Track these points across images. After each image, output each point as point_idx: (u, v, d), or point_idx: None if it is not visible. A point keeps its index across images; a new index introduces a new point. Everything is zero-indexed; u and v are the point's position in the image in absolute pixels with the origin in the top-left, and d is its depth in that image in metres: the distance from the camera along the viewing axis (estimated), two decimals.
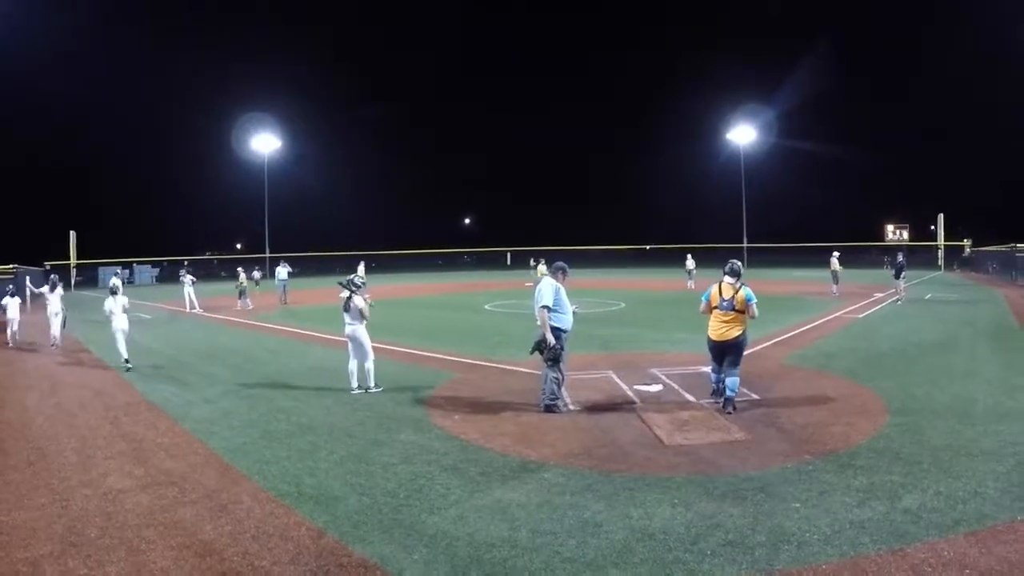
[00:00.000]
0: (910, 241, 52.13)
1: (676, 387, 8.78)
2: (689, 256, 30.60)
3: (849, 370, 9.84)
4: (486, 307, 22.39)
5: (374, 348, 9.11)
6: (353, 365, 8.99)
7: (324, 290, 32.27)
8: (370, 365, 8.95)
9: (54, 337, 14.45)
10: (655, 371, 9.83)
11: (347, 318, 8.91)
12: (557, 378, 7.67)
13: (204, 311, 22.46)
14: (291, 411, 8.00)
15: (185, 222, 70.80)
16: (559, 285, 7.82)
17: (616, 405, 7.95)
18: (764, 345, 12.20)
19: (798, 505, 4.80)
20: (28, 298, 16.59)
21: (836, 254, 24.66)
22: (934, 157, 63.90)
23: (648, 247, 60.89)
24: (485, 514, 4.77)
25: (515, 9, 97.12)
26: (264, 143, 52.67)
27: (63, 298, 15.20)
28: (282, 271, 26.99)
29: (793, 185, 65.90)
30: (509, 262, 60.67)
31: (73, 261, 44.73)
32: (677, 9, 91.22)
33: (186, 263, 30.07)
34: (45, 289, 15.26)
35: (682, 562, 3.99)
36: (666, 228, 61.24)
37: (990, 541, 4.17)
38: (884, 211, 59.58)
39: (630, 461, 5.88)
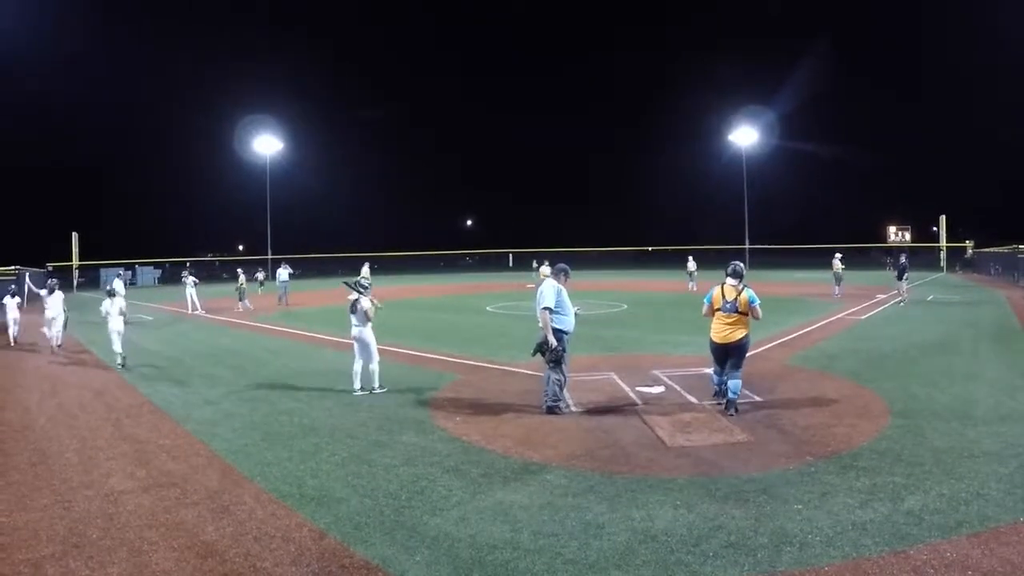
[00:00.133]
0: (912, 242, 52.12)
1: (678, 388, 8.78)
2: (690, 258, 30.57)
3: (851, 371, 9.83)
4: (488, 309, 22.39)
5: (377, 349, 9.14)
6: (358, 366, 9.01)
7: (325, 292, 32.35)
8: (375, 366, 8.98)
9: (54, 338, 14.46)
10: (657, 373, 9.82)
11: (354, 320, 8.95)
12: (559, 380, 7.67)
13: (206, 313, 22.47)
14: (293, 413, 8.00)
15: (187, 223, 71.04)
16: (561, 287, 7.82)
17: (618, 407, 7.94)
18: (766, 346, 12.19)
19: (800, 507, 4.79)
20: (25, 297, 16.61)
21: (838, 255, 24.62)
22: (936, 158, 63.95)
23: (650, 248, 60.86)
24: (487, 516, 4.77)
25: (515, 9, 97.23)
26: (265, 144, 52.72)
27: (65, 300, 15.21)
28: (283, 273, 26.99)
29: (795, 186, 65.99)
30: (511, 263, 60.70)
31: (75, 262, 44.80)
32: (677, 9, 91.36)
33: (188, 264, 30.10)
34: (43, 292, 15.24)
35: (684, 564, 3.98)
36: (667, 229, 61.33)
37: (992, 543, 4.16)
38: (886, 212, 59.64)
39: (632, 463, 5.88)
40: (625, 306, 21.90)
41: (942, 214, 48.36)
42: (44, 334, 14.61)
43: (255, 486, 5.50)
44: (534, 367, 9.42)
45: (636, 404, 8.03)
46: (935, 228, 50.52)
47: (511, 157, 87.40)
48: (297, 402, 8.57)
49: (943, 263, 46.28)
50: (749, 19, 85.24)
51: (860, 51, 77.81)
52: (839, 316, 17.63)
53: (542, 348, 7.63)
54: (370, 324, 8.98)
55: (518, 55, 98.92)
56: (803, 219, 62.62)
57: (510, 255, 62.24)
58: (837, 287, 23.84)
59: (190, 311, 22.74)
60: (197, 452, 6.51)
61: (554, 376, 7.65)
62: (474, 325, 17.99)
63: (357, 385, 8.96)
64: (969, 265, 45.20)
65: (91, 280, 45.16)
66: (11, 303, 16.51)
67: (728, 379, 7.54)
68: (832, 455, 5.96)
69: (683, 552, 4.13)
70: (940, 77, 68.78)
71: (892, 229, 56.19)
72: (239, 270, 25.31)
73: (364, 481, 5.56)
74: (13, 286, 18.12)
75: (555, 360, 7.60)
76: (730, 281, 7.63)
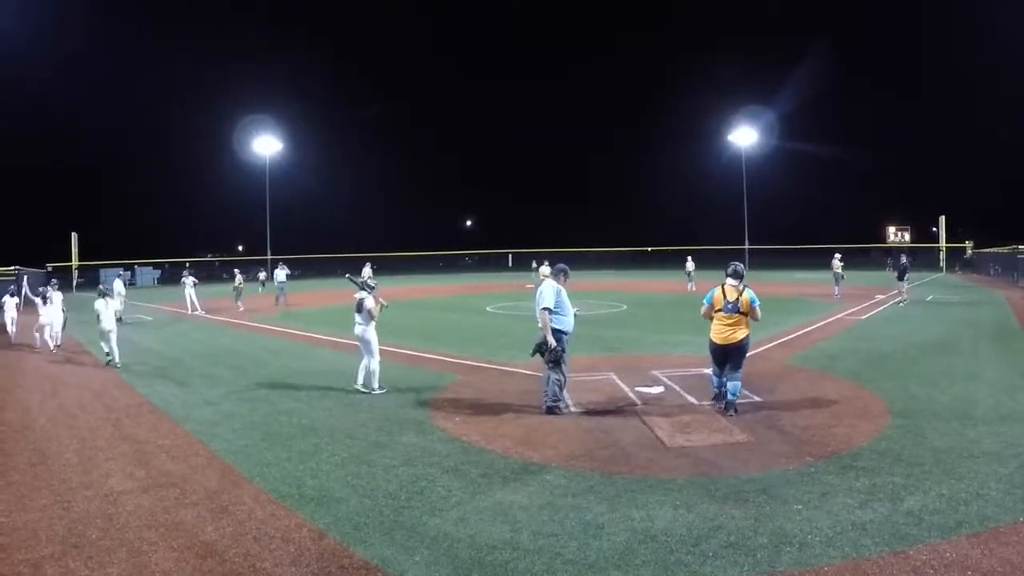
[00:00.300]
0: (911, 243, 52.13)
1: (677, 389, 8.78)
2: (689, 258, 30.59)
3: (851, 371, 9.83)
4: (488, 309, 22.39)
5: (378, 350, 9.16)
6: (364, 361, 9.08)
7: (324, 292, 32.36)
8: (375, 367, 8.99)
9: (52, 340, 14.57)
10: (656, 373, 9.82)
11: (358, 318, 9.01)
12: (559, 380, 7.67)
13: (205, 313, 22.47)
14: (292, 413, 8.00)
15: (186, 223, 70.97)
16: (560, 287, 7.82)
17: (618, 407, 7.94)
18: (766, 346, 12.19)
19: (800, 507, 4.79)
20: (22, 299, 16.77)
21: (838, 256, 24.71)
22: (936, 158, 63.95)
23: (649, 249, 60.88)
24: (487, 516, 4.77)
25: (515, 9, 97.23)
26: (265, 145, 52.70)
27: (64, 301, 15.26)
28: (280, 273, 27.02)
29: (794, 186, 65.93)
30: (510, 264, 60.71)
31: (75, 263, 44.79)
32: (677, 9, 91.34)
33: (188, 265, 30.10)
34: (37, 301, 15.44)
35: (684, 564, 3.98)
36: (667, 229, 61.26)
37: (992, 543, 4.17)
38: (885, 212, 59.63)
39: (632, 463, 5.88)
40: (624, 306, 21.90)
41: (942, 214, 48.44)
42: (36, 338, 14.78)
43: (254, 486, 5.50)
44: (533, 367, 9.42)
45: (635, 404, 8.03)
46: (935, 228, 50.53)
47: (511, 157, 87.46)
48: (297, 402, 8.57)
49: (943, 263, 46.30)
50: (749, 19, 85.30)
51: (860, 51, 77.90)
52: (839, 316, 17.64)
53: (541, 348, 7.63)
54: (373, 323, 9.02)
55: (518, 55, 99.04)
56: (803, 219, 62.66)
57: (510, 255, 62.24)
58: (837, 287, 23.89)
59: (190, 311, 22.73)
60: (196, 452, 6.51)
61: (554, 376, 7.65)
62: (474, 325, 17.99)
63: (360, 380, 9.03)
64: (968, 265, 45.20)
65: (91, 280, 45.05)
66: (10, 303, 16.56)
67: (727, 380, 7.53)
68: (832, 455, 5.96)
69: (683, 552, 4.13)
70: (940, 77, 68.85)
71: (892, 229, 56.21)
72: (236, 270, 25.31)
73: (364, 481, 5.56)
74: (12, 287, 18.16)
75: (554, 360, 7.60)
76: (730, 281, 7.59)
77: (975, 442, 6.25)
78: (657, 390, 8.72)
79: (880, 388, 8.63)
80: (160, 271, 52.29)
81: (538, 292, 7.80)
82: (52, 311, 14.74)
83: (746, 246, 52.48)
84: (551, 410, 7.60)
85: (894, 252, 45.76)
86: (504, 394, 8.77)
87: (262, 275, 31.89)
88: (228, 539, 4.47)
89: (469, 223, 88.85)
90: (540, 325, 7.66)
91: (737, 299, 7.46)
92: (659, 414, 7.52)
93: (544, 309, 7.59)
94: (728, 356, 7.55)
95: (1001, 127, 57.53)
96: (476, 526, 4.59)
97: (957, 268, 45.17)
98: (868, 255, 52.85)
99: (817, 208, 64.77)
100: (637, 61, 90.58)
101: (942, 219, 48.21)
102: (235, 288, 24.27)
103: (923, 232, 55.59)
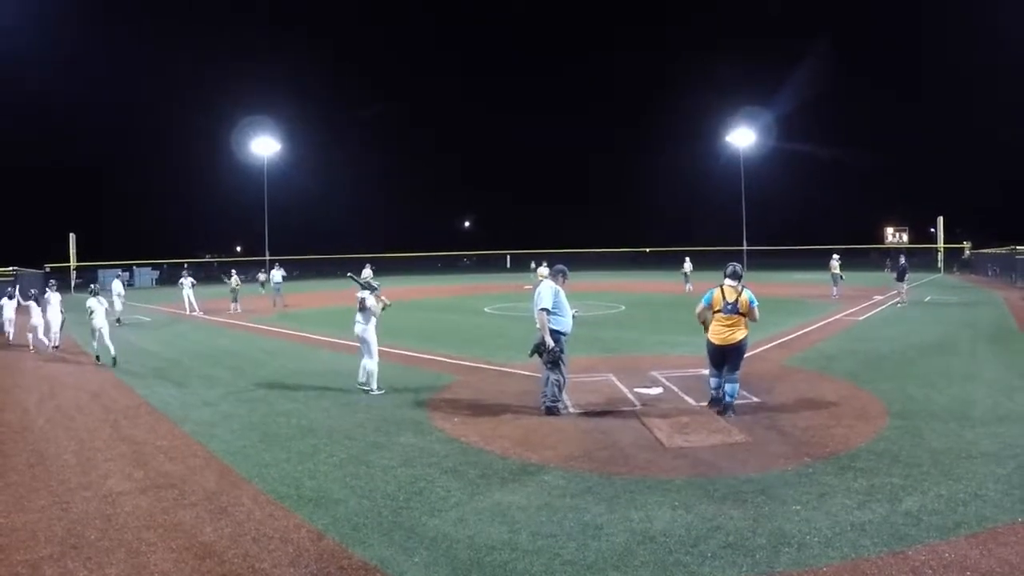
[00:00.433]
0: (910, 243, 52.16)
1: (676, 390, 8.78)
2: (687, 259, 30.64)
3: (849, 372, 9.84)
4: (486, 310, 22.40)
5: (377, 351, 9.18)
6: (364, 361, 9.12)
7: (323, 293, 32.34)
8: (373, 367, 9.00)
9: (51, 339, 14.68)
10: (655, 374, 9.83)
11: (359, 318, 9.03)
12: (558, 380, 7.67)
13: (203, 314, 22.46)
14: (291, 414, 8.00)
15: (185, 224, 70.90)
16: (558, 288, 7.82)
17: (616, 408, 7.94)
18: (764, 347, 12.20)
19: (798, 507, 4.79)
20: (17, 301, 17.03)
21: (836, 256, 24.75)
22: (934, 159, 64.03)
23: (648, 250, 60.92)
24: (485, 517, 4.77)
25: (515, 9, 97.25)
26: (264, 145, 52.68)
27: (62, 302, 15.30)
28: (276, 274, 27.03)
29: (793, 187, 65.94)
30: (509, 265, 60.72)
31: (73, 263, 44.74)
32: (677, 9, 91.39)
33: (186, 266, 30.10)
34: (31, 304, 15.60)
35: (683, 564, 3.98)
36: (666, 230, 61.32)
37: (991, 543, 4.17)
38: (884, 213, 59.61)
39: (630, 464, 5.88)
40: (623, 307, 21.91)
41: (940, 215, 48.50)
42: (28, 338, 14.92)
43: (253, 487, 5.49)
44: (532, 368, 9.42)
45: (634, 405, 8.03)
46: (933, 229, 50.61)
47: (511, 157, 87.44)
48: (295, 403, 8.56)
49: (940, 264, 46.38)
50: (749, 19, 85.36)
51: (860, 51, 77.95)
52: (837, 317, 17.66)
53: (539, 349, 7.64)
54: (373, 323, 9.06)
55: (518, 55, 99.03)
56: (801, 220, 62.71)
57: (508, 256, 62.25)
58: (835, 288, 23.95)
59: (188, 312, 22.73)
60: (195, 453, 6.51)
61: (553, 377, 7.65)
62: (472, 326, 17.99)
63: (361, 377, 9.05)
64: (966, 266, 45.31)
65: (89, 281, 45.02)
66: (8, 304, 16.58)
67: (726, 382, 7.51)
68: (830, 456, 5.96)
69: (681, 553, 4.13)
70: (939, 78, 68.93)
71: (890, 230, 56.22)
72: (232, 271, 25.31)
73: (362, 482, 5.56)
74: (10, 288, 18.16)
75: (552, 361, 7.60)
76: (729, 282, 7.54)
77: (973, 443, 6.26)
78: (656, 391, 8.73)
79: (878, 389, 8.64)
80: (158, 272, 52.25)
81: (536, 293, 7.81)
82: (51, 312, 14.78)
83: (744, 247, 52.53)
84: (550, 410, 7.60)
85: (892, 253, 45.91)
86: (503, 395, 8.77)
87: (262, 276, 31.91)
88: (227, 540, 4.47)
89: (468, 224, 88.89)
90: (538, 326, 7.66)
91: (736, 300, 7.42)
92: (658, 415, 7.52)
93: (542, 310, 7.60)
94: (727, 357, 7.52)
95: (1000, 128, 57.68)
96: (475, 527, 4.59)
97: (955, 269, 45.27)
98: (867, 256, 52.85)
99: (815, 209, 64.90)
100: (637, 61, 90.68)
101: (940, 220, 48.28)
102: (232, 290, 24.25)
103: (921, 233, 55.68)
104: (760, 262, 50.17)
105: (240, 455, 6.39)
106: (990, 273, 37.42)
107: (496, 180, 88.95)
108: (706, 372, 8.35)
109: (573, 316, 7.98)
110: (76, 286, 42.81)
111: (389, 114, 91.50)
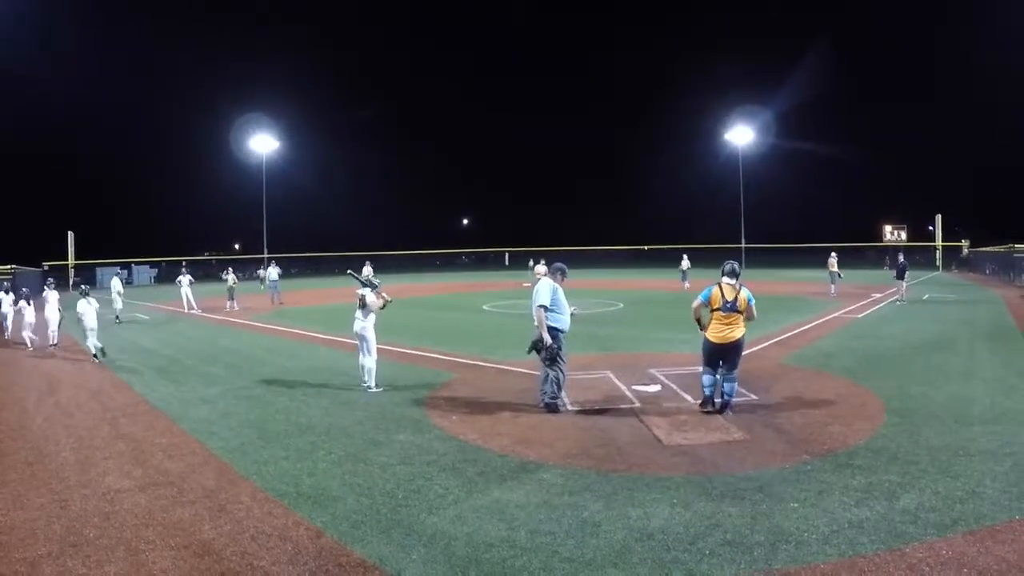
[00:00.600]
0: (908, 241, 52.14)
1: (674, 387, 8.79)
2: (684, 256, 30.68)
3: (847, 370, 9.86)
4: (484, 307, 22.40)
5: (376, 348, 9.20)
6: (363, 359, 9.14)
7: (322, 291, 32.33)
8: (372, 365, 9.03)
9: (51, 338, 14.75)
10: (653, 371, 9.84)
11: (359, 315, 9.05)
12: (557, 378, 7.68)
13: (202, 312, 22.44)
14: (289, 411, 8.00)
15: (183, 222, 70.68)
16: (557, 286, 7.83)
17: (615, 405, 7.95)
18: (763, 345, 12.22)
19: (796, 505, 4.80)
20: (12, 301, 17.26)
21: (834, 255, 25.07)
22: (932, 157, 64.00)
23: (647, 248, 60.90)
24: (483, 514, 4.77)
25: (515, 9, 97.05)
26: (262, 143, 52.62)
27: (60, 300, 15.33)
28: (272, 272, 27.03)
29: (791, 185, 65.88)
30: (507, 262, 60.70)
31: (71, 261, 44.68)
32: (677, 9, 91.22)
33: (184, 264, 30.10)
34: (23, 304, 15.86)
35: (681, 562, 3.99)
36: (664, 228, 61.24)
37: (988, 541, 4.18)
38: (882, 211, 59.57)
39: (629, 461, 5.89)
40: (621, 304, 21.92)
41: (938, 213, 48.52)
42: (24, 337, 15.07)
43: (252, 485, 5.50)
44: (530, 366, 9.42)
45: (632, 403, 8.04)
46: (931, 227, 50.65)
47: (511, 157, 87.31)
48: (293, 401, 8.57)
49: (939, 262, 46.43)
50: (749, 19, 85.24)
51: (860, 51, 77.87)
52: (835, 315, 17.68)
53: (537, 346, 7.64)
54: (373, 320, 9.10)
55: (518, 55, 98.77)
56: (799, 218, 62.71)
57: (507, 254, 62.22)
58: (833, 286, 24.09)
59: (186, 310, 22.72)
60: (194, 451, 6.51)
61: (552, 374, 7.66)
62: (471, 324, 18.00)
63: (365, 377, 9.09)
64: (965, 264, 45.37)
65: (88, 280, 44.90)
66: (6, 300, 16.63)
67: (724, 381, 7.48)
68: (828, 453, 5.97)
69: (679, 550, 4.13)
70: (939, 76, 68.96)
71: (888, 228, 56.21)
72: (229, 268, 25.26)
73: (361, 480, 5.56)
74: (7, 284, 18.24)
75: (550, 358, 7.61)
76: (727, 280, 7.46)
77: (971, 441, 6.27)
78: (654, 388, 8.74)
79: (876, 386, 8.65)
80: (156, 270, 52.18)
81: (535, 290, 7.82)
82: (49, 310, 14.82)
83: (743, 244, 52.56)
84: (550, 408, 7.61)
85: (891, 251, 45.99)
86: (501, 392, 8.77)
87: (262, 273, 31.88)
88: (225, 537, 4.47)
89: (466, 222, 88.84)
90: (536, 323, 7.67)
91: (735, 298, 7.37)
92: (656, 412, 7.53)
93: (540, 306, 7.61)
94: (725, 355, 7.45)
95: (999, 126, 57.68)
96: (473, 524, 4.60)
97: (953, 267, 45.34)
98: (863, 255, 52.83)
99: (814, 207, 64.82)
100: (637, 61, 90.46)
101: (938, 218, 48.33)
102: (228, 288, 24.22)
103: (920, 231, 55.71)
104: (759, 260, 50.12)
105: (238, 453, 6.39)
106: (988, 271, 37.49)
107: (496, 180, 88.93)
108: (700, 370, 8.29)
109: (572, 314, 7.99)
110: (74, 284, 42.76)
111: (389, 114, 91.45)
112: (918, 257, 43.68)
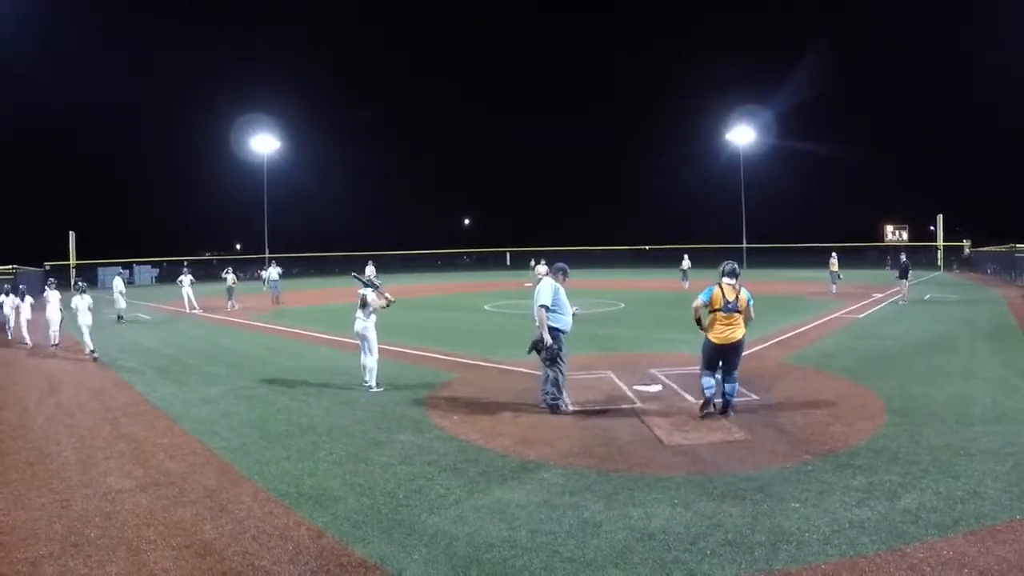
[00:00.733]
0: (909, 241, 52.12)
1: (675, 387, 8.79)
2: (685, 256, 30.68)
3: (848, 370, 9.85)
4: (485, 307, 22.40)
5: (377, 348, 9.22)
6: (364, 359, 9.17)
7: (323, 291, 32.35)
8: (373, 365, 9.06)
9: (51, 336, 14.88)
10: (654, 371, 9.84)
11: (361, 314, 9.08)
12: (558, 378, 7.68)
13: (203, 311, 22.46)
14: (290, 411, 8.01)
15: (184, 222, 70.76)
16: (558, 286, 7.83)
17: (615, 405, 7.95)
18: (763, 345, 12.21)
19: (797, 505, 4.80)
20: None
21: (835, 255, 25.25)
22: (934, 157, 63.95)
23: (648, 248, 60.91)
24: (484, 514, 4.77)
25: (515, 9, 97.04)
26: (263, 143, 52.67)
27: (61, 300, 15.38)
28: (272, 272, 27.05)
29: (792, 185, 65.85)
30: (508, 262, 60.72)
31: (72, 261, 44.72)
32: (677, 9, 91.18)
33: (185, 263, 30.12)
34: (10, 299, 16.29)
35: (681, 562, 3.99)
36: (665, 228, 61.24)
37: (989, 541, 4.18)
38: (883, 211, 59.54)
39: (629, 461, 5.89)
40: (622, 304, 21.92)
41: (940, 213, 48.48)
42: (23, 336, 15.32)
43: (253, 485, 5.50)
44: (532, 366, 9.43)
45: (633, 403, 8.04)
46: (932, 227, 50.60)
47: (511, 157, 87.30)
48: (294, 400, 8.57)
49: (940, 262, 46.40)
50: (749, 19, 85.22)
51: (860, 51, 77.82)
52: (836, 315, 17.67)
53: (538, 346, 7.64)
54: (374, 320, 9.15)
55: (518, 55, 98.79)
56: (800, 218, 62.70)
57: (508, 254, 62.24)
58: (834, 285, 24.17)
59: (187, 310, 22.74)
60: (195, 451, 6.51)
61: (552, 374, 7.66)
62: (472, 324, 18.00)
63: (366, 376, 9.11)
64: (966, 264, 45.33)
65: (89, 280, 44.93)
66: (7, 301, 16.68)
67: (724, 382, 7.40)
68: (829, 453, 5.97)
69: (680, 550, 4.14)
70: (939, 76, 68.92)
71: (889, 228, 56.17)
72: (229, 268, 25.27)
73: (362, 480, 5.56)
74: (7, 285, 18.31)
75: (551, 358, 7.60)
76: (727, 280, 7.39)
77: (972, 440, 6.27)
78: (655, 388, 8.74)
79: (877, 386, 8.65)
80: (158, 270, 52.22)
81: (536, 290, 7.82)
82: (50, 310, 14.85)
83: (743, 244, 52.56)
84: (552, 408, 7.61)
85: (892, 251, 45.97)
86: (502, 392, 8.77)
87: (264, 273, 31.92)
88: (227, 537, 4.48)
89: (467, 222, 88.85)
90: (537, 323, 7.67)
91: (736, 298, 7.32)
92: (657, 412, 7.53)
93: (541, 306, 7.61)
94: (726, 356, 7.38)
95: (999, 126, 57.63)
96: (474, 524, 4.60)
97: (955, 267, 45.30)
98: (864, 255, 52.78)
99: (814, 207, 64.80)
100: (637, 61, 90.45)
101: (940, 218, 48.28)
102: (227, 288, 24.22)
103: (921, 231, 55.66)
104: (760, 260, 50.12)
105: (240, 453, 6.39)
106: (989, 271, 37.45)
107: (496, 180, 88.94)
108: (697, 369, 8.11)
109: (573, 314, 7.98)
110: (75, 284, 42.78)
111: (389, 114, 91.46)
112: (922, 259, 43.60)
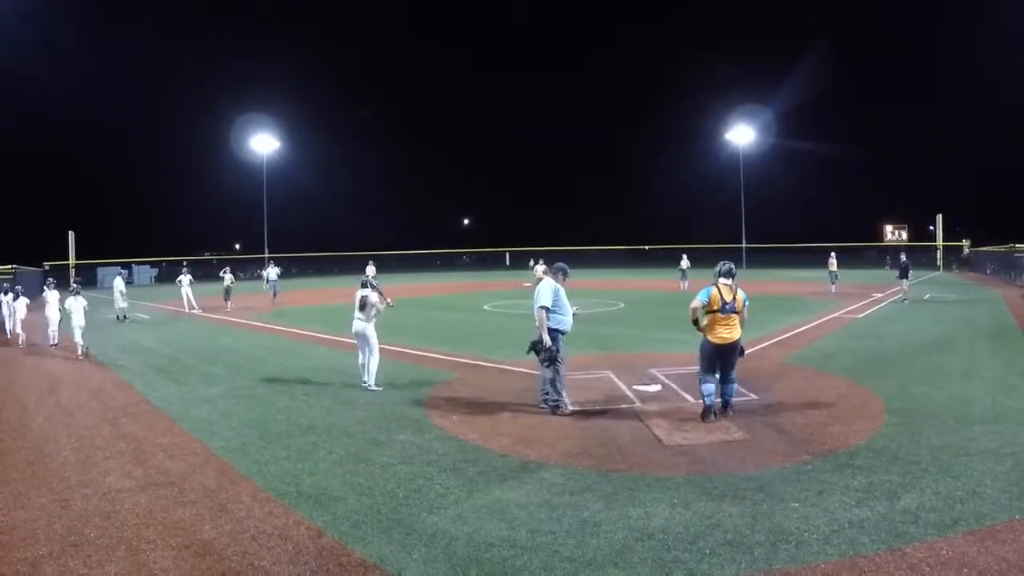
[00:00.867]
0: (909, 241, 52.12)
1: (675, 387, 8.79)
2: (684, 256, 30.67)
3: (848, 370, 9.85)
4: (485, 307, 22.40)
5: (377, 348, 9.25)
6: (361, 358, 9.21)
7: (323, 290, 32.34)
8: (374, 365, 9.10)
9: (20, 335, 15.30)
10: (654, 371, 9.84)
11: (360, 315, 9.15)
12: (556, 379, 7.67)
13: (202, 311, 22.45)
14: (290, 411, 8.01)
15: (184, 222, 70.72)
16: (559, 286, 7.82)
17: (615, 405, 7.95)
18: (763, 345, 12.22)
19: (797, 505, 4.80)
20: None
21: (833, 255, 25.39)
22: (932, 157, 63.97)
23: (647, 247, 60.92)
24: (484, 514, 4.77)
25: (515, 9, 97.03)
26: (263, 143, 52.67)
27: (60, 300, 15.38)
28: (272, 272, 27.05)
29: (792, 185, 65.87)
30: (508, 262, 60.72)
31: (72, 261, 44.71)
32: (677, 9, 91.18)
33: (185, 263, 30.11)
34: (8, 298, 16.29)
35: (681, 561, 3.99)
36: (665, 228, 61.25)
37: (988, 540, 4.18)
38: (883, 211, 59.54)
39: (629, 461, 5.89)
40: (622, 304, 21.92)
41: (939, 213, 48.50)
42: (18, 335, 15.39)
43: (252, 484, 5.50)
44: (531, 365, 9.42)
45: (633, 402, 8.04)
46: (932, 227, 50.61)
47: (511, 157, 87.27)
48: (294, 400, 8.57)
49: (940, 262, 46.42)
50: (749, 19, 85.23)
51: (860, 51, 77.84)
52: (836, 314, 17.67)
53: (536, 347, 7.64)
54: (374, 321, 9.18)
55: (518, 55, 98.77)
56: (800, 218, 62.72)
57: (507, 254, 62.25)
58: (833, 285, 24.21)
59: (187, 309, 22.73)
60: (194, 451, 6.51)
61: (549, 375, 7.65)
62: (471, 323, 18.01)
63: (365, 376, 9.15)
64: (965, 264, 45.35)
65: (88, 279, 45.02)
66: (6, 300, 16.72)
67: (724, 383, 7.33)
68: (829, 453, 5.97)
69: (680, 550, 4.14)
70: (939, 76, 68.95)
71: (889, 228, 56.18)
72: (227, 268, 25.25)
73: (361, 479, 5.56)
74: (7, 284, 18.37)
75: (550, 360, 7.60)
76: (723, 281, 7.31)
77: (972, 440, 6.27)
78: (654, 388, 8.74)
79: (877, 386, 8.65)
80: (157, 270, 52.21)
81: (536, 291, 7.81)
82: (49, 310, 14.87)
83: (743, 244, 52.57)
84: (552, 408, 7.60)
85: (892, 251, 45.99)
86: (502, 392, 8.78)
87: (265, 272, 31.94)
88: (226, 537, 4.48)
89: (467, 221, 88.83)
90: (537, 324, 7.66)
91: (733, 299, 7.25)
92: (656, 412, 7.53)
93: (541, 307, 7.60)
94: (725, 357, 7.30)
95: (999, 126, 57.65)
96: (474, 524, 4.60)
97: (954, 266, 45.33)
98: (863, 255, 52.80)
99: (814, 207, 64.81)
100: (637, 61, 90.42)
101: (939, 217, 48.29)
102: (225, 288, 24.20)
103: (920, 231, 55.68)
104: (759, 260, 50.14)
105: (239, 452, 6.39)
106: (989, 271, 37.48)
107: (496, 180, 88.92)
108: (694, 370, 7.99)
109: (574, 314, 7.98)
110: (70, 286, 42.74)
111: (389, 114, 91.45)
112: (921, 259, 43.61)
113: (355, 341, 9.37)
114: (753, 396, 8.22)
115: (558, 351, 7.64)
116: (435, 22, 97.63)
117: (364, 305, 9.14)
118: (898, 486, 5.14)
